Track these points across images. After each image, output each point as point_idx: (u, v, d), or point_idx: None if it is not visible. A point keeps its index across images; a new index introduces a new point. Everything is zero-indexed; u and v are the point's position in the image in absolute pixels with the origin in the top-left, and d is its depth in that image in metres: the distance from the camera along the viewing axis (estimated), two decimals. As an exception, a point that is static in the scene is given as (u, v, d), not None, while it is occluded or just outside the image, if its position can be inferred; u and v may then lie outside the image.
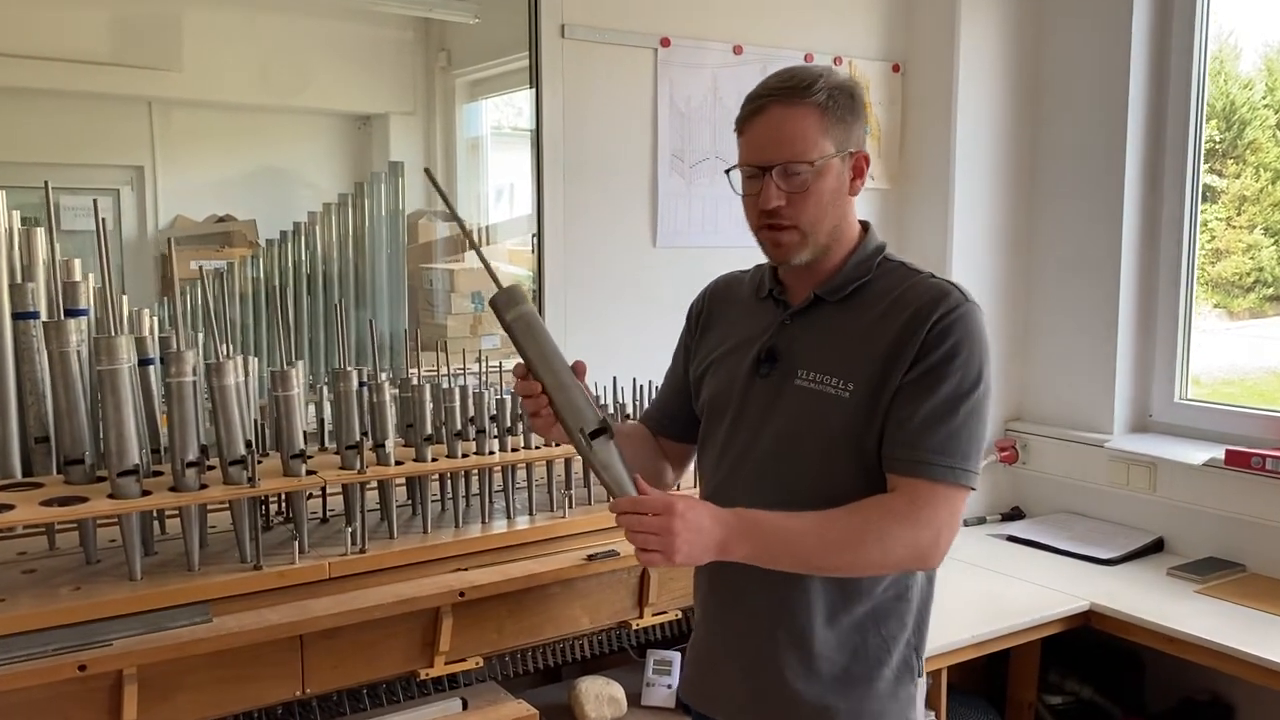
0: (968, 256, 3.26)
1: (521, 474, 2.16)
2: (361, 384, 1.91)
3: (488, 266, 1.46)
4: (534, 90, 2.68)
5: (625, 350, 2.74)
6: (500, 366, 2.14)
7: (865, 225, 1.58)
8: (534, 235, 2.74)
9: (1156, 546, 3.01)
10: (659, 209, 2.89)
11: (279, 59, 2.56)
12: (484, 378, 2.15)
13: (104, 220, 1.63)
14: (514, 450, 2.05)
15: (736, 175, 1.53)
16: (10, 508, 1.58)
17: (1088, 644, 2.87)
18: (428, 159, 2.80)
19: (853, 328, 1.49)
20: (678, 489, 1.83)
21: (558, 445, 2.09)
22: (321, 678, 1.76)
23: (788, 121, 1.45)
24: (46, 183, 1.66)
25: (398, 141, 2.74)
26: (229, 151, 2.53)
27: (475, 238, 2.98)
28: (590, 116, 2.76)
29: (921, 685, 1.62)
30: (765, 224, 1.49)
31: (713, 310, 1.72)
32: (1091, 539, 3.03)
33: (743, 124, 1.51)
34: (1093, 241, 3.19)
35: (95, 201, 1.60)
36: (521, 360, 1.43)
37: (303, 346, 2.51)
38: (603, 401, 2.24)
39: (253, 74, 2.52)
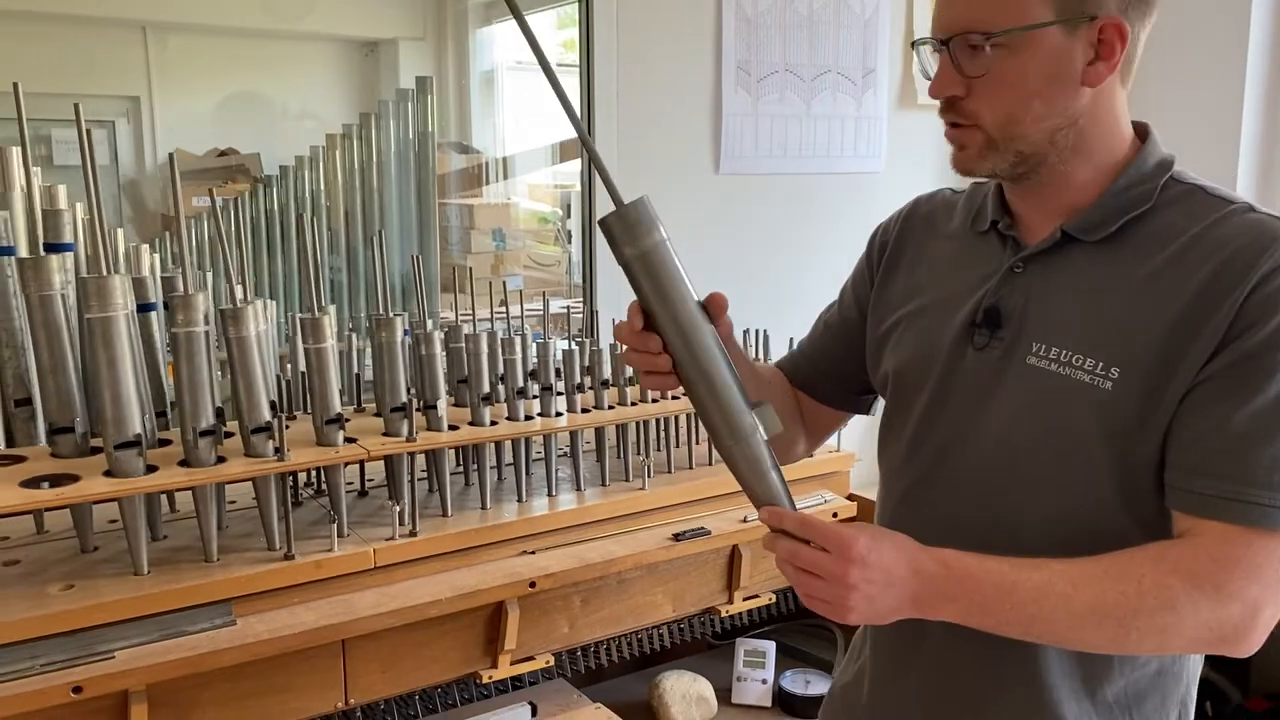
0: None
1: (588, 434, 1.85)
2: (405, 333, 1.59)
3: (604, 175, 1.02)
4: (582, -4, 2.35)
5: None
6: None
7: (1143, 131, 1.07)
8: (583, 159, 2.43)
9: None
10: (723, 130, 2.55)
11: (282, -22, 2.34)
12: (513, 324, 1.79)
13: (94, 148, 1.30)
14: (584, 410, 1.74)
15: (927, 54, 1.06)
16: (-17, 490, 1.27)
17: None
18: (439, 87, 2.53)
19: (1121, 284, 1.01)
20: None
21: (633, 405, 1.78)
22: (367, 685, 1.47)
23: None
24: (16, 85, 1.34)
25: (407, 69, 2.52)
26: (229, 81, 2.34)
27: (490, 172, 2.67)
28: (644, 24, 2.41)
29: None
30: (946, 120, 1.06)
31: (906, 240, 1.22)
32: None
33: None
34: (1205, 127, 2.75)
35: (76, 106, 1.26)
36: (640, 303, 1.00)
37: (324, 289, 2.22)
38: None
39: (254, -6, 2.31)
